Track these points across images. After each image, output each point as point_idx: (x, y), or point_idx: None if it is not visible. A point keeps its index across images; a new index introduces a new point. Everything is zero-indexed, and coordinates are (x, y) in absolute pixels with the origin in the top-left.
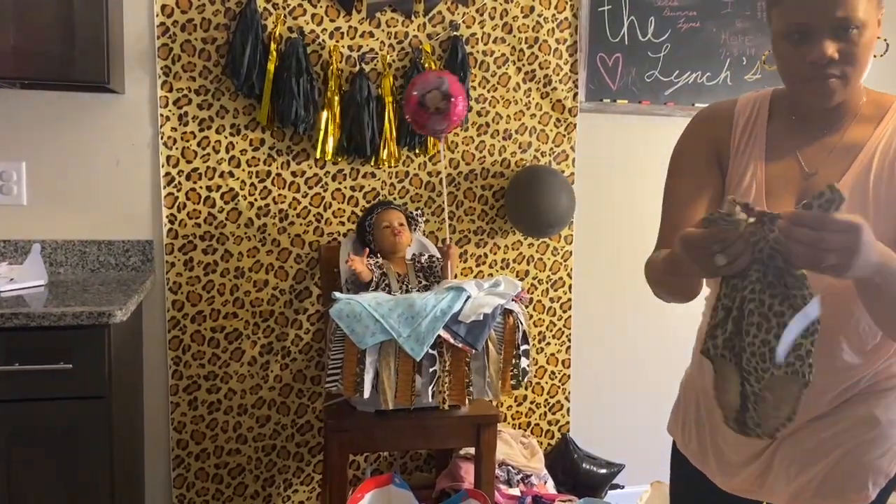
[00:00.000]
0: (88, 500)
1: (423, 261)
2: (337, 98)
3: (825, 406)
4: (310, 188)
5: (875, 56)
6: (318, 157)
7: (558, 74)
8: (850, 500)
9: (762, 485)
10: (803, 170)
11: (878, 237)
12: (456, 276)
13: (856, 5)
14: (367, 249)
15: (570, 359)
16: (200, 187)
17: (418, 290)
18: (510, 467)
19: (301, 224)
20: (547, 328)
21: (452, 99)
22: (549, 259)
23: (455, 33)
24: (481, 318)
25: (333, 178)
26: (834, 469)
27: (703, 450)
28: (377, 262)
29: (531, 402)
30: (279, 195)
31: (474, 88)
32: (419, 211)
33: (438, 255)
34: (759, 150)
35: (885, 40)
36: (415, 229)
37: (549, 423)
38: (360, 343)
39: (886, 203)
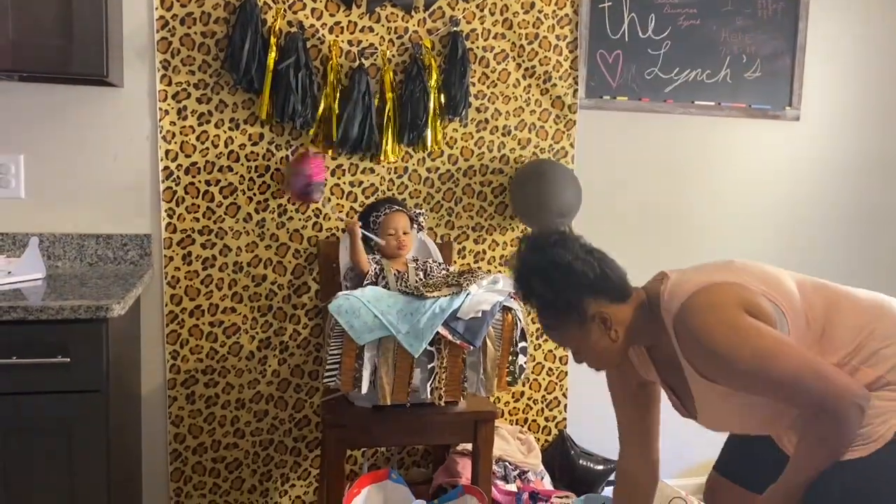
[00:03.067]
0: (85, 493)
1: (428, 266)
2: (336, 93)
3: None
4: None
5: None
6: (320, 152)
7: (558, 71)
8: None
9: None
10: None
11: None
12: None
13: (564, 342)
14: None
15: (567, 355)
16: (199, 181)
17: None
18: (507, 463)
19: (300, 219)
20: None
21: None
22: None
23: (455, 29)
24: (480, 315)
25: (332, 174)
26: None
27: None
28: (375, 257)
29: (528, 399)
30: (278, 190)
31: (474, 84)
32: (417, 207)
33: (442, 261)
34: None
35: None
36: (418, 231)
37: (546, 419)
38: (359, 339)
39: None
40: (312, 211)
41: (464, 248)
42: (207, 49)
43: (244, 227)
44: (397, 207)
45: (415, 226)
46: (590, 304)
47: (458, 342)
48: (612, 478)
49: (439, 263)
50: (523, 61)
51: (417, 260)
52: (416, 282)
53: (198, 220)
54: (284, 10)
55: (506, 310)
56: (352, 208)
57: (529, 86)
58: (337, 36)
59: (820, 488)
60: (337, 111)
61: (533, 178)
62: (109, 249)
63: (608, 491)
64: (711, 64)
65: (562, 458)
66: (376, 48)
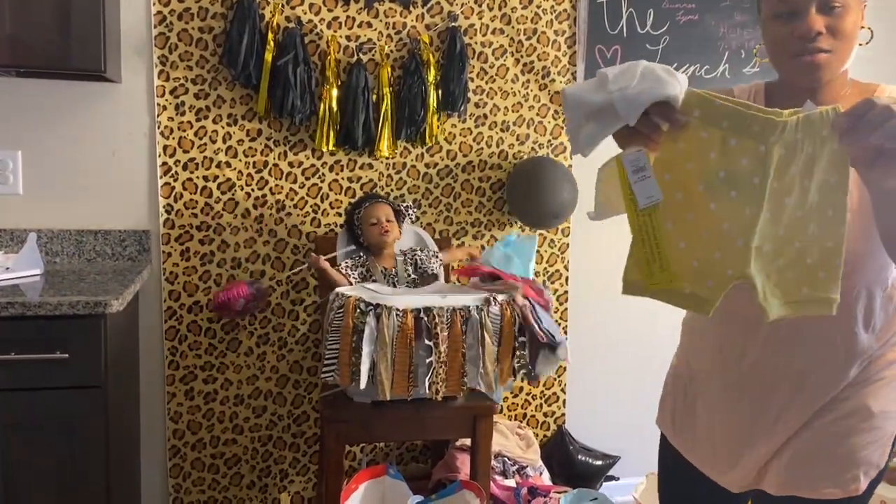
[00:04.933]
0: (84, 489)
1: (417, 256)
2: (335, 89)
3: (832, 388)
4: (307, 179)
5: (860, 44)
6: (318, 147)
7: (556, 66)
8: (841, 490)
9: (757, 476)
10: None
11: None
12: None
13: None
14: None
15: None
16: (197, 177)
17: (407, 285)
18: (506, 458)
19: (298, 215)
20: None
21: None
22: (546, 251)
23: (453, 24)
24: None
25: (330, 169)
26: (827, 460)
27: (695, 442)
28: (357, 261)
29: (527, 394)
30: (276, 185)
31: (472, 80)
32: (415, 202)
33: (436, 250)
34: None
35: (869, 29)
36: (403, 222)
37: (545, 414)
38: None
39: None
40: (311, 207)
41: (462, 243)
42: (205, 44)
43: (242, 223)
44: (378, 200)
45: (401, 219)
46: None
47: (543, 340)
48: (611, 473)
49: (430, 251)
50: (521, 56)
51: (406, 253)
52: (406, 277)
53: (196, 215)
54: (282, 6)
55: (506, 304)
56: (350, 203)
57: (528, 81)
58: (335, 31)
59: None
60: (335, 107)
61: (527, 177)
62: (108, 245)
63: (606, 487)
64: (710, 59)
65: (561, 453)
66: (374, 43)
